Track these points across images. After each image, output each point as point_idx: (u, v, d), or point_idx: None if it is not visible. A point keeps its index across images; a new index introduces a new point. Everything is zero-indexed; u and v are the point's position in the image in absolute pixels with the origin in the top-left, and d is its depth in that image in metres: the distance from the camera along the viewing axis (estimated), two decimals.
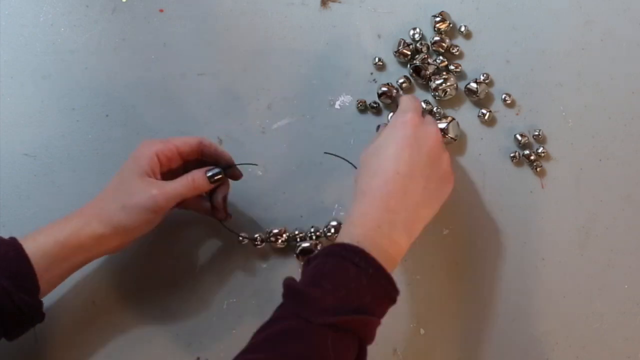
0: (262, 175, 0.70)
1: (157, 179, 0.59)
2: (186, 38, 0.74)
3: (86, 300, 0.67)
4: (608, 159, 0.71)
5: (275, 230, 0.68)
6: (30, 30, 0.74)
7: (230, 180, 0.65)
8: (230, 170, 0.63)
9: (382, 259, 0.52)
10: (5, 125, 0.71)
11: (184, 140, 0.62)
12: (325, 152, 0.68)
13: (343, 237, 0.54)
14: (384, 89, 0.71)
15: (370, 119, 0.72)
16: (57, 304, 0.66)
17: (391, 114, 0.71)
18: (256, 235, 0.68)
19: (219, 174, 0.62)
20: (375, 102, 0.72)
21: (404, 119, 0.58)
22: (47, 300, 0.58)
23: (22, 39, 0.73)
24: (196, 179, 0.60)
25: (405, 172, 0.56)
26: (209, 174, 0.61)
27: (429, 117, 0.63)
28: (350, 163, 0.68)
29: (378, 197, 0.55)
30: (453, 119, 0.69)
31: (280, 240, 0.68)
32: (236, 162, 0.64)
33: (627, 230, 0.70)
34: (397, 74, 0.73)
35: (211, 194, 0.64)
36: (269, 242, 0.68)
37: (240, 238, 0.67)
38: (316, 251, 0.61)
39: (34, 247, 0.55)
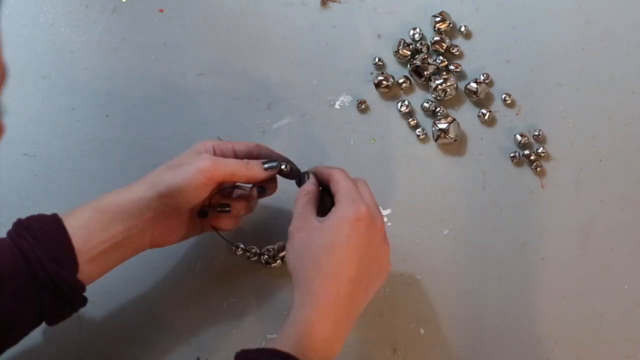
0: None
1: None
2: (186, 38, 0.74)
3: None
4: (608, 159, 0.71)
5: (273, 247, 0.68)
6: (30, 30, 0.74)
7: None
8: (287, 171, 0.62)
9: None
10: (5, 125, 0.71)
11: (240, 142, 0.61)
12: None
13: (287, 342, 0.51)
14: (381, 77, 0.71)
15: (370, 119, 0.72)
16: None
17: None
18: (252, 249, 0.68)
19: (275, 166, 0.60)
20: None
21: (358, 214, 0.54)
22: None
23: (22, 39, 0.73)
24: (251, 164, 0.59)
25: (355, 277, 0.53)
26: (266, 164, 0.60)
27: (371, 200, 0.58)
28: None
29: (330, 307, 0.52)
30: (454, 119, 0.69)
31: (277, 261, 0.67)
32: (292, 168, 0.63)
33: (627, 230, 0.70)
34: (397, 74, 0.73)
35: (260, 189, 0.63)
36: (265, 261, 0.67)
37: (234, 248, 0.67)
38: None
39: (71, 217, 0.54)
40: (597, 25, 0.74)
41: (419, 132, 0.71)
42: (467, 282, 0.68)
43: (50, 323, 0.55)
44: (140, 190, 0.56)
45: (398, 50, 0.72)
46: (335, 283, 0.53)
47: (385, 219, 0.69)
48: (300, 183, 0.62)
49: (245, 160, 0.59)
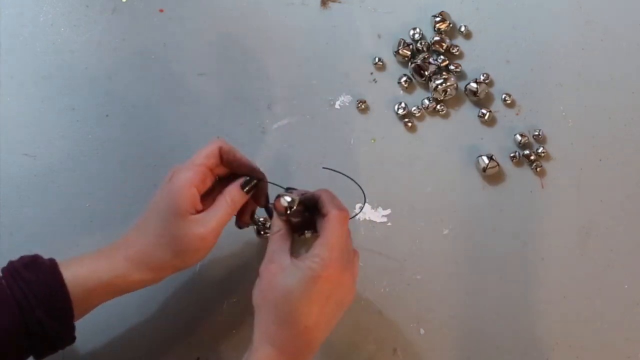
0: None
1: (198, 210, 0.57)
2: (186, 38, 0.74)
3: None
4: (608, 159, 0.71)
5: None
6: (30, 30, 0.74)
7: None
8: (260, 182, 0.61)
9: None
10: (5, 125, 0.71)
11: (207, 155, 0.58)
12: (324, 168, 0.64)
13: None
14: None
15: (370, 119, 0.72)
16: None
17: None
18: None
19: (252, 182, 0.60)
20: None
21: (327, 274, 0.53)
22: None
23: (22, 39, 0.73)
24: (235, 198, 0.59)
25: (313, 326, 0.53)
26: (242, 183, 0.59)
27: (349, 252, 0.56)
28: (350, 178, 0.64)
29: (286, 353, 0.53)
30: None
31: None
32: (265, 178, 0.62)
33: (627, 230, 0.70)
34: (397, 73, 0.73)
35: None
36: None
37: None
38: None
39: (74, 280, 0.54)
40: (597, 25, 0.74)
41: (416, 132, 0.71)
42: (467, 282, 0.68)
43: (39, 359, 0.56)
44: (148, 275, 0.56)
45: (398, 50, 0.72)
46: (291, 330, 0.53)
47: (385, 219, 0.69)
48: (269, 212, 0.62)
49: (228, 197, 0.58)
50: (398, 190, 0.70)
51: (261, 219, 0.66)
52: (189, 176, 0.56)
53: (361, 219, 0.69)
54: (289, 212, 0.56)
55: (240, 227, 0.64)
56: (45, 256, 0.56)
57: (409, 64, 0.73)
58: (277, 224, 0.58)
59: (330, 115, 0.72)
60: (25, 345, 0.53)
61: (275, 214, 0.58)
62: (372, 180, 0.70)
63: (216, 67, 0.73)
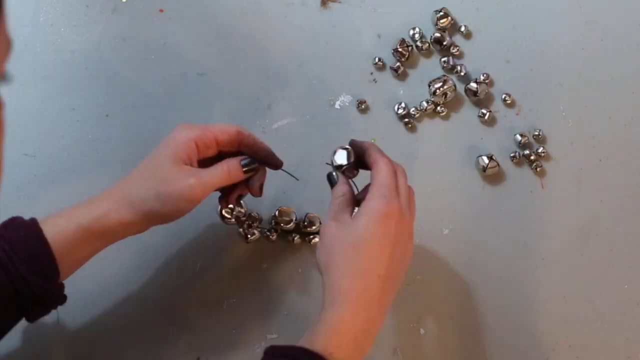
0: None
1: (193, 166, 0.57)
2: (186, 38, 0.74)
3: (86, 301, 0.67)
4: (608, 159, 0.71)
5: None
6: (30, 30, 0.74)
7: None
8: (271, 161, 0.61)
9: None
10: (6, 125, 0.71)
11: (222, 129, 0.58)
12: (327, 163, 0.62)
13: (316, 340, 0.50)
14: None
15: (370, 119, 0.72)
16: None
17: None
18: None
19: (253, 163, 0.60)
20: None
21: (388, 210, 0.53)
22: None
23: (22, 39, 0.73)
24: (232, 170, 0.59)
25: (385, 274, 0.53)
26: (243, 162, 0.59)
27: (405, 194, 0.56)
28: (292, 175, 0.65)
29: (361, 305, 0.52)
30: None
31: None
32: (274, 156, 0.62)
33: (627, 230, 0.70)
34: (394, 85, 0.73)
35: (248, 179, 0.62)
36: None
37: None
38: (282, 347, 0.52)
39: (54, 231, 0.54)
40: (597, 25, 0.74)
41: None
42: (467, 282, 0.68)
43: (30, 321, 0.56)
44: (127, 215, 0.55)
45: (396, 49, 0.72)
46: (365, 281, 0.52)
47: None
48: (331, 182, 0.59)
49: (225, 166, 0.58)
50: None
51: (243, 218, 0.67)
52: (195, 132, 0.57)
53: None
54: (347, 163, 0.58)
55: (222, 213, 0.64)
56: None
57: (431, 36, 0.73)
58: (340, 189, 0.57)
59: (330, 115, 0.72)
60: (14, 306, 0.53)
61: (341, 179, 0.58)
62: None
63: (216, 67, 0.73)
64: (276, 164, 0.62)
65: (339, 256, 0.53)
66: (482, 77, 0.72)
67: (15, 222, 0.54)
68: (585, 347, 0.67)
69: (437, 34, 0.73)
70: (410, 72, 0.73)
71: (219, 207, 0.66)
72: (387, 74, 0.73)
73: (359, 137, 0.71)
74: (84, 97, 0.72)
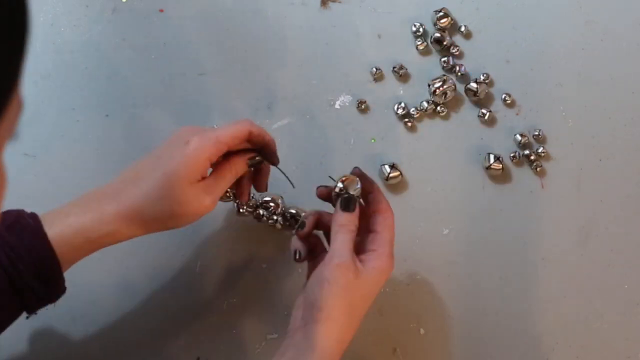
0: None
1: (204, 176, 0.56)
2: (186, 38, 0.74)
3: (85, 301, 0.67)
4: (608, 159, 0.71)
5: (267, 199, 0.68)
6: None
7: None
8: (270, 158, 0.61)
9: None
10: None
11: (234, 136, 0.56)
12: (330, 177, 0.61)
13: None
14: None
15: (370, 119, 0.72)
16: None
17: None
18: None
19: (259, 162, 0.60)
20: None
21: (390, 271, 0.55)
22: None
23: None
24: (239, 172, 0.59)
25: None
26: (251, 163, 0.60)
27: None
28: (283, 173, 0.64)
29: (344, 343, 0.54)
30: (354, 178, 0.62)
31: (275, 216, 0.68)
32: (281, 169, 0.62)
33: (627, 230, 0.70)
34: (394, 87, 0.73)
35: (255, 175, 0.63)
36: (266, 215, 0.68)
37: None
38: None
39: (60, 240, 0.52)
40: (597, 25, 0.74)
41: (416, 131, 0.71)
42: (467, 282, 0.68)
43: (30, 314, 0.56)
44: (137, 232, 0.55)
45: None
46: (355, 326, 0.54)
47: None
48: (348, 207, 0.56)
49: (234, 171, 0.58)
50: (398, 190, 0.70)
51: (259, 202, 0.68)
52: (210, 151, 0.55)
53: None
54: (358, 196, 0.57)
55: (241, 210, 0.66)
56: None
57: (430, 37, 0.73)
58: (354, 221, 0.56)
59: (330, 115, 0.72)
60: (15, 305, 0.53)
61: (357, 211, 0.56)
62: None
63: (216, 67, 0.73)
64: (273, 162, 0.61)
65: (350, 304, 0.53)
66: (482, 77, 0.72)
67: (19, 224, 0.52)
68: (585, 347, 0.67)
69: (437, 34, 0.73)
70: (410, 72, 0.73)
71: (236, 205, 0.68)
72: (387, 74, 0.73)
73: (359, 137, 0.72)
74: (84, 97, 0.72)
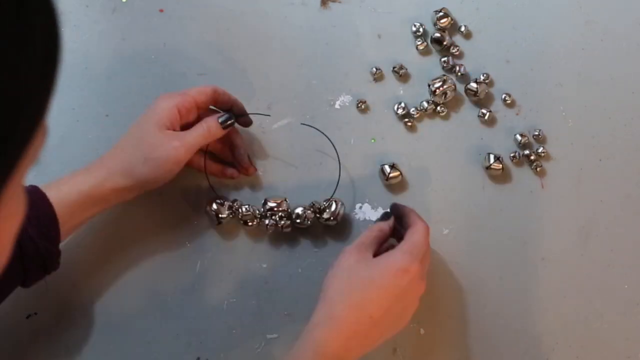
0: (262, 175, 0.70)
1: (176, 131, 0.62)
2: (186, 38, 0.74)
3: (85, 300, 0.67)
4: (608, 159, 0.71)
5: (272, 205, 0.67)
6: None
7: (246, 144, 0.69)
8: (242, 118, 0.67)
9: None
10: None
11: (199, 90, 0.64)
12: (302, 124, 0.68)
13: (301, 355, 0.53)
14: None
15: (370, 118, 0.72)
16: (58, 304, 0.66)
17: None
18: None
19: (230, 119, 0.65)
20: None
21: (408, 267, 0.56)
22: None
23: None
24: (211, 127, 0.63)
25: (377, 319, 0.55)
26: (221, 119, 0.64)
27: (427, 262, 0.60)
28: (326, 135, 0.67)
29: (346, 334, 0.54)
30: (337, 201, 0.67)
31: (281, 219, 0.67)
32: (249, 112, 0.67)
33: (627, 230, 0.70)
34: (394, 85, 0.73)
35: (233, 152, 0.68)
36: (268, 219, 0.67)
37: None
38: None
39: (57, 196, 0.57)
40: (597, 25, 0.74)
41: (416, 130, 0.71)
42: (467, 282, 0.68)
43: (26, 286, 0.58)
44: (120, 181, 0.60)
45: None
46: (356, 315, 0.55)
47: None
48: (382, 217, 0.64)
49: (205, 124, 0.63)
50: (398, 190, 0.70)
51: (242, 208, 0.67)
52: (176, 99, 0.62)
53: (361, 219, 0.70)
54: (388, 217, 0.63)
55: (210, 208, 0.67)
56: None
57: (430, 37, 0.73)
58: (383, 226, 0.61)
59: (330, 115, 0.72)
60: (17, 266, 0.54)
61: (390, 221, 0.63)
62: (372, 180, 0.70)
63: (216, 67, 0.73)
64: (246, 122, 0.67)
65: (346, 284, 0.56)
66: (482, 77, 0.72)
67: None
68: (585, 347, 0.67)
69: (437, 34, 0.73)
70: (410, 72, 0.73)
71: (215, 216, 0.67)
72: (387, 74, 0.73)
73: (359, 137, 0.72)
74: (84, 97, 0.72)
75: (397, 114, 0.72)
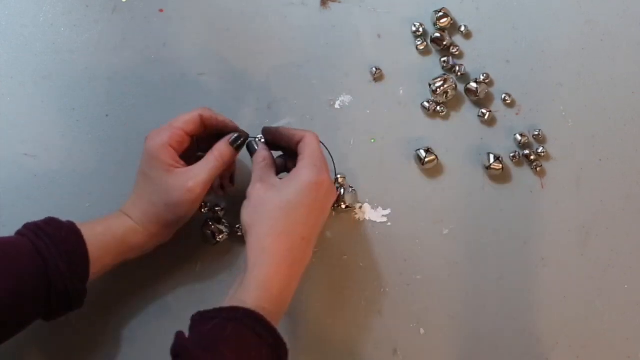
0: None
1: (181, 165, 0.60)
2: (186, 38, 0.74)
3: (85, 301, 0.67)
4: (608, 159, 0.71)
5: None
6: (30, 30, 0.74)
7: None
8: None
9: (277, 323, 0.53)
10: (5, 125, 0.71)
11: (185, 121, 0.61)
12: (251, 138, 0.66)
13: (244, 298, 0.53)
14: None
15: (370, 118, 0.72)
16: None
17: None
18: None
19: (240, 138, 0.62)
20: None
21: (320, 179, 0.57)
22: None
23: (22, 39, 0.73)
24: (223, 153, 0.61)
25: (308, 238, 0.56)
26: (231, 140, 0.62)
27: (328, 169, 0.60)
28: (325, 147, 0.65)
29: (285, 264, 0.54)
30: (351, 187, 0.69)
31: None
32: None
33: (627, 230, 0.70)
34: (396, 83, 0.73)
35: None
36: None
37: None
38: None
39: (91, 236, 0.56)
40: (597, 25, 0.74)
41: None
42: (467, 282, 0.68)
43: (47, 320, 0.57)
44: (151, 228, 0.59)
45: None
46: (289, 242, 0.55)
47: (385, 219, 0.69)
48: (250, 149, 0.63)
49: (217, 152, 0.61)
50: (398, 190, 0.70)
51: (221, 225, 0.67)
52: (165, 135, 0.60)
53: (361, 219, 0.70)
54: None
55: (222, 193, 0.67)
56: None
57: (430, 37, 0.73)
58: (262, 154, 0.61)
59: (330, 115, 0.72)
60: (42, 299, 0.54)
61: (261, 146, 0.62)
62: (372, 180, 0.70)
63: (216, 67, 0.73)
64: (246, 136, 0.65)
65: (266, 217, 0.56)
66: (482, 77, 0.72)
67: (55, 221, 0.57)
68: (585, 347, 0.67)
69: (437, 34, 0.73)
70: (411, 72, 0.73)
71: (211, 235, 0.67)
72: (387, 74, 0.73)
73: (359, 137, 0.72)
74: (84, 97, 0.72)
75: (397, 112, 0.72)
